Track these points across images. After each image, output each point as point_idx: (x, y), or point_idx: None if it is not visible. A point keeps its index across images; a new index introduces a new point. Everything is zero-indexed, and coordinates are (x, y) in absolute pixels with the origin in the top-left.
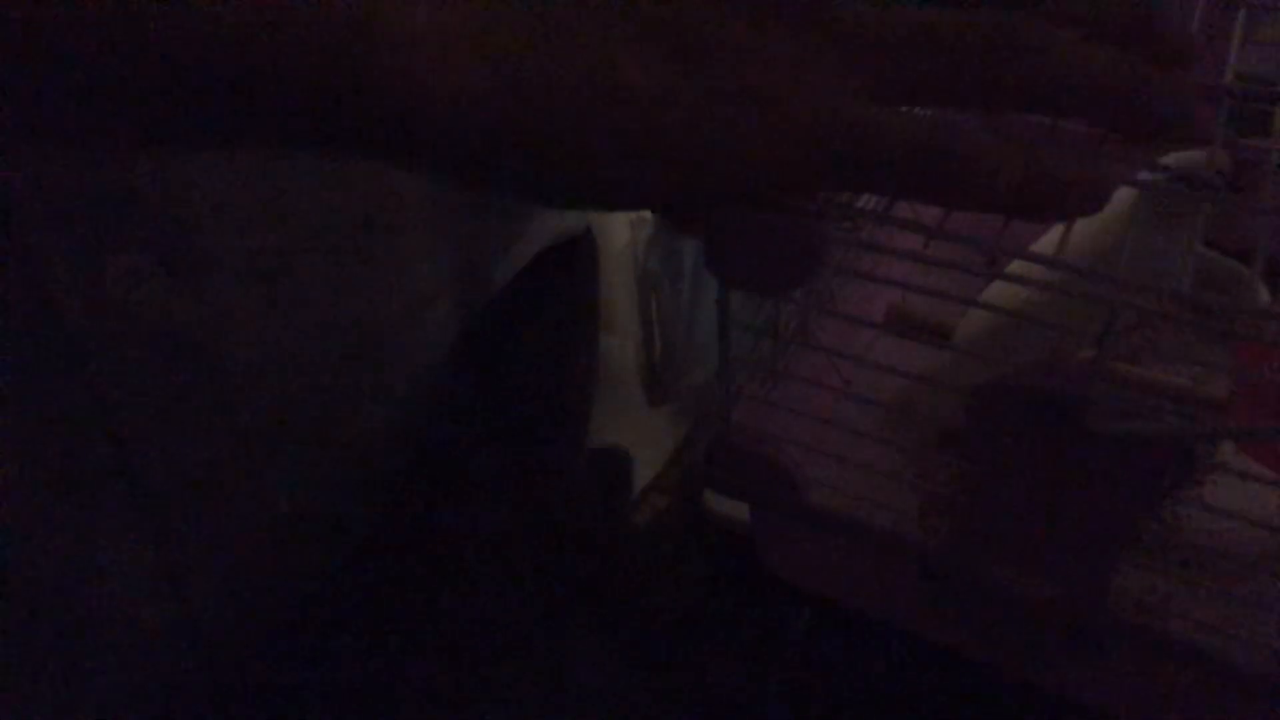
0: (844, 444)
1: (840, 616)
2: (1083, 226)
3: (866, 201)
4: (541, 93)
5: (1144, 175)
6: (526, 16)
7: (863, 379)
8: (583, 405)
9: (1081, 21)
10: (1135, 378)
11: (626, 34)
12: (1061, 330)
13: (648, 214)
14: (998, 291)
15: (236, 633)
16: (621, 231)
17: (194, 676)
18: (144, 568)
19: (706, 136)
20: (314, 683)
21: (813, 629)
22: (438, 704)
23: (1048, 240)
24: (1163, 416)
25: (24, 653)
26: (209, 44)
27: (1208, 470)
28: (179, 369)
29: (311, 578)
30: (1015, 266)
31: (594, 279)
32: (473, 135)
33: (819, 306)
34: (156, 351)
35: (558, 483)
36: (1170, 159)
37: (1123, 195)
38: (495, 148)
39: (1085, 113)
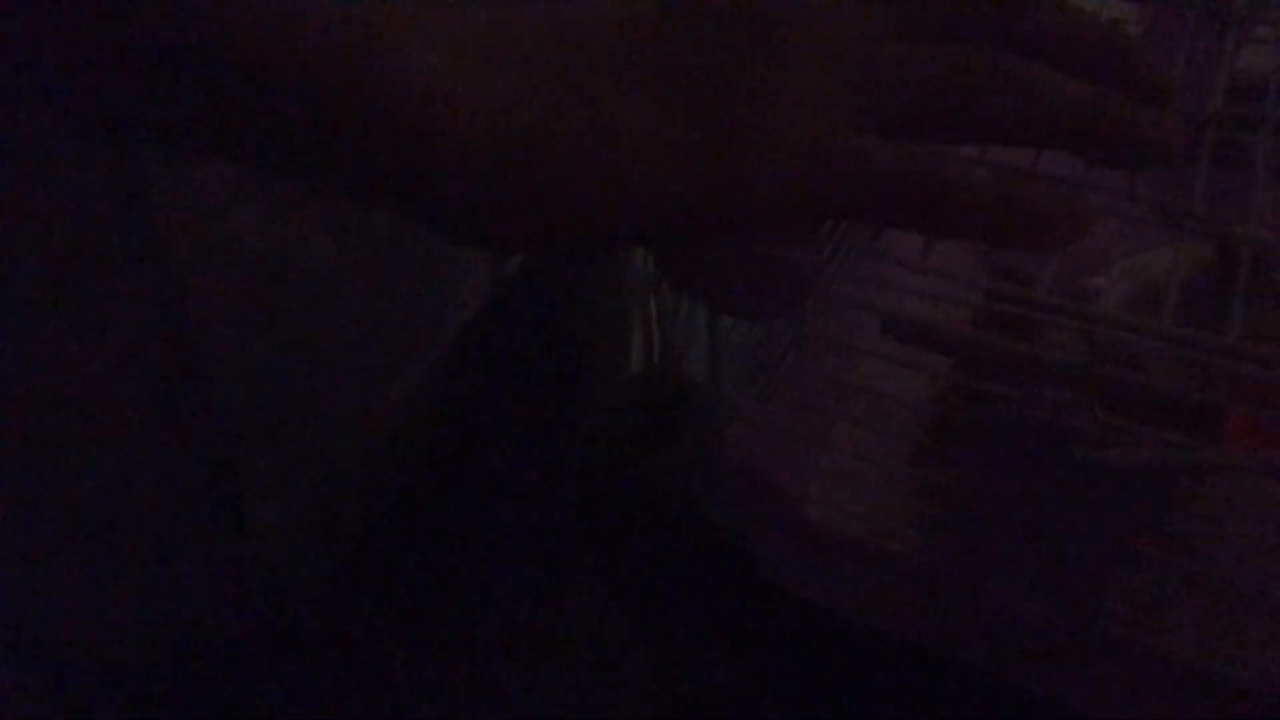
0: (838, 461)
1: (839, 619)
2: None
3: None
4: (540, 145)
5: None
6: (526, 66)
7: (856, 397)
8: (591, 396)
9: (1060, 57)
10: (1130, 382)
11: (621, 77)
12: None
13: None
14: None
15: (295, 572)
16: None
17: (249, 614)
18: (205, 491)
19: (706, 175)
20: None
21: (812, 631)
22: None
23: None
24: (1149, 445)
25: (67, 568)
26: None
27: (1200, 496)
28: (258, 288)
29: (366, 520)
30: None
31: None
32: (471, 187)
33: (811, 329)
34: (240, 267)
35: (565, 475)
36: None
37: None
38: (494, 199)
39: (1065, 143)
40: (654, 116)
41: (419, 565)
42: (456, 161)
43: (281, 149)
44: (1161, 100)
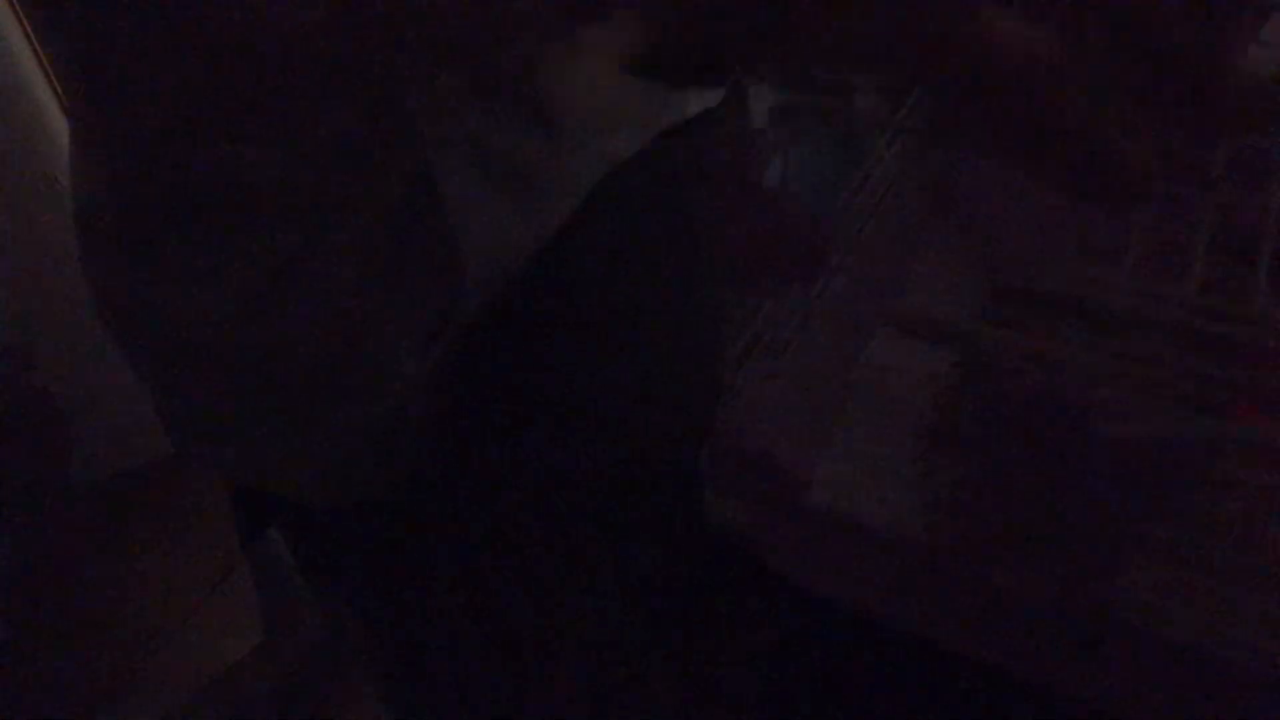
0: (845, 443)
1: (844, 615)
2: None
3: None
4: None
5: None
6: None
7: (864, 375)
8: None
9: None
10: (1151, 359)
11: None
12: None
13: None
14: None
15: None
16: None
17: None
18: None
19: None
20: None
21: (814, 628)
22: None
23: None
24: (1167, 419)
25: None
26: None
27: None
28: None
29: None
30: None
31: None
32: None
33: (817, 305)
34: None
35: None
36: None
37: None
38: None
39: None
40: None
41: (418, 562)
42: None
43: None
44: None
